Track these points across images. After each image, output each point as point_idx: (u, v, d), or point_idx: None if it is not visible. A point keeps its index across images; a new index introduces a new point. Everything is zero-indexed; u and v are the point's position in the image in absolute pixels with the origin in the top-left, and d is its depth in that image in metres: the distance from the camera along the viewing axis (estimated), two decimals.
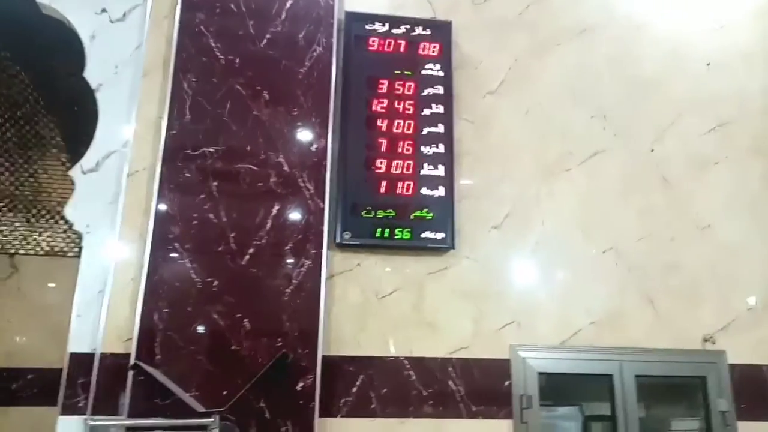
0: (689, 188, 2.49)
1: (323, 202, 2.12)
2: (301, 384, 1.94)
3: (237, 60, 2.21)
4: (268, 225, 2.06)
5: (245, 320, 1.95)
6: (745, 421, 2.21)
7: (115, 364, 1.90)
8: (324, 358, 2.02)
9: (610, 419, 2.17)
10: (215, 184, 2.06)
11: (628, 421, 2.14)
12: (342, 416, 2.02)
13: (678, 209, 2.46)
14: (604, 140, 2.50)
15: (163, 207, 2.02)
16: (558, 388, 2.22)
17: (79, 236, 2.08)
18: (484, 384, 2.12)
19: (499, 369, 2.15)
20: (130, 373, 1.84)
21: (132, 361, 1.85)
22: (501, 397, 2.12)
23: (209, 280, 1.97)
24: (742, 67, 2.70)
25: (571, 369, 2.19)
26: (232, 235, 2.03)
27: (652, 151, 2.51)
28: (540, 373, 2.14)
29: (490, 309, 2.23)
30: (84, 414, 1.84)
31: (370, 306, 2.16)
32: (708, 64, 2.67)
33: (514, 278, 2.29)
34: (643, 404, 2.22)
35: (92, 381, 1.87)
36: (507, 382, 2.13)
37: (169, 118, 2.12)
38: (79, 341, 1.94)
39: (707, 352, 2.28)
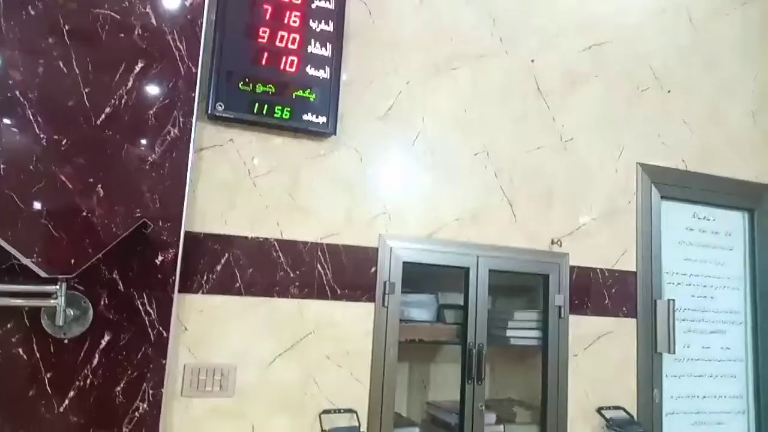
0: (560, 102, 2.62)
1: (196, 68, 1.92)
2: (160, 258, 1.83)
3: None
4: (130, 84, 1.84)
5: (99, 186, 1.77)
6: (574, 315, 2.49)
7: None
8: (187, 233, 1.92)
9: (462, 308, 2.33)
10: (67, 27, 1.78)
11: (477, 311, 2.31)
12: (204, 293, 1.96)
13: (547, 120, 2.59)
14: (490, 44, 2.51)
15: (1, 45, 1.72)
16: (419, 277, 2.33)
17: None
18: (350, 269, 2.16)
19: (367, 256, 2.19)
20: None
21: None
22: (366, 282, 2.17)
23: (57, 137, 1.74)
24: None
25: (433, 260, 2.29)
26: (86, 90, 1.79)
27: (532, 61, 2.58)
28: (405, 263, 2.22)
29: (363, 199, 2.23)
30: None
31: (240, 185, 2.07)
32: None
33: (390, 171, 2.30)
34: (492, 297, 2.41)
35: None
36: (373, 269, 2.19)
37: None
38: None
39: (553, 254, 2.49)
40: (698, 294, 2.87)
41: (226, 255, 2.01)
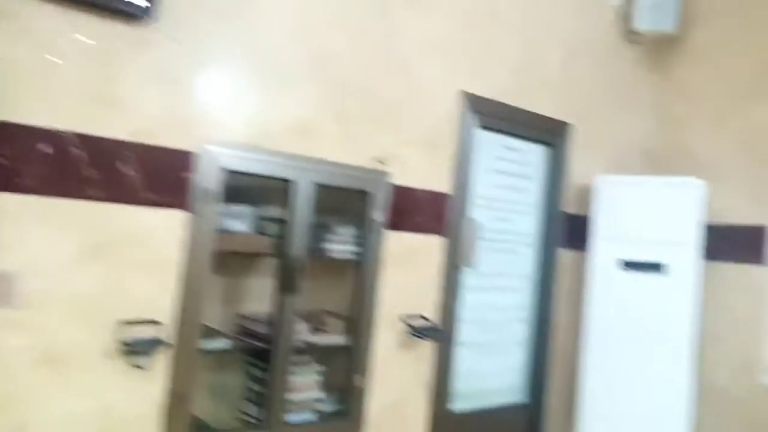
0: (403, 19, 2.62)
1: None
2: None
3: None
4: None
5: None
6: (391, 231, 2.63)
7: None
8: None
9: (284, 222, 2.31)
10: None
11: (298, 224, 2.32)
12: None
13: (388, 38, 2.58)
14: None
15: None
16: (241, 187, 2.25)
17: None
18: (164, 173, 2.02)
19: (184, 160, 2.06)
20: None
21: None
22: (180, 188, 2.05)
23: None
24: None
25: (256, 170, 2.23)
26: None
27: None
28: (225, 170, 2.13)
29: (185, 98, 2.07)
30: None
31: (37, 68, 1.78)
32: None
33: (217, 70, 2.14)
34: (314, 211, 2.42)
35: None
36: (189, 175, 2.06)
37: None
38: None
39: (376, 171, 2.56)
40: (499, 217, 3.19)
41: (17, 147, 1.75)
